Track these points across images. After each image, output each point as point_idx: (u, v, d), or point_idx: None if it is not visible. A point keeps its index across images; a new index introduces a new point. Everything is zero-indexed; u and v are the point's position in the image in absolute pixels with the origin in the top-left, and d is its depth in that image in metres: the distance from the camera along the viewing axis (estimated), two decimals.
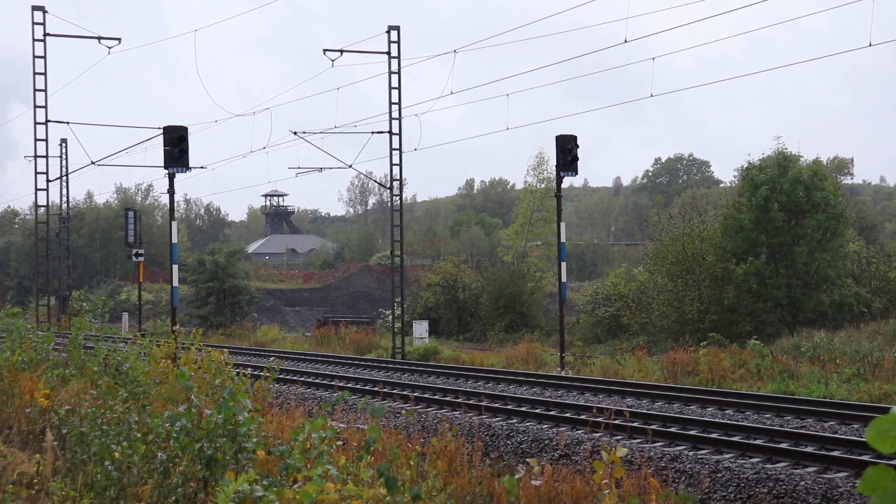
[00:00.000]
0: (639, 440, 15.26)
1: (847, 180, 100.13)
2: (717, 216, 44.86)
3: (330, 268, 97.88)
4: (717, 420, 16.89)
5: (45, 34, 41.05)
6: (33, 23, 40.81)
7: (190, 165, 26.52)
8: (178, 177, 26.60)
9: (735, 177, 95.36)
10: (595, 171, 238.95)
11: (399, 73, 36.23)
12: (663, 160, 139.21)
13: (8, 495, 7.47)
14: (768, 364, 26.31)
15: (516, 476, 8.05)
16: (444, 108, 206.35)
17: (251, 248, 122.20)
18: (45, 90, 41.55)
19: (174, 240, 27.25)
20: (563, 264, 28.62)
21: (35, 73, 41.15)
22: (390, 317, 44.08)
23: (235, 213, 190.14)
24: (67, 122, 40.21)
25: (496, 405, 19.55)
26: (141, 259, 43.24)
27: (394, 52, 36.12)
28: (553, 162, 32.00)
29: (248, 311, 60.30)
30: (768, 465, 13.28)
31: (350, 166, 38.79)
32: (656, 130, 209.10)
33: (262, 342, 46.97)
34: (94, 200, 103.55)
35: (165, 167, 26.50)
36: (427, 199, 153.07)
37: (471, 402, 19.97)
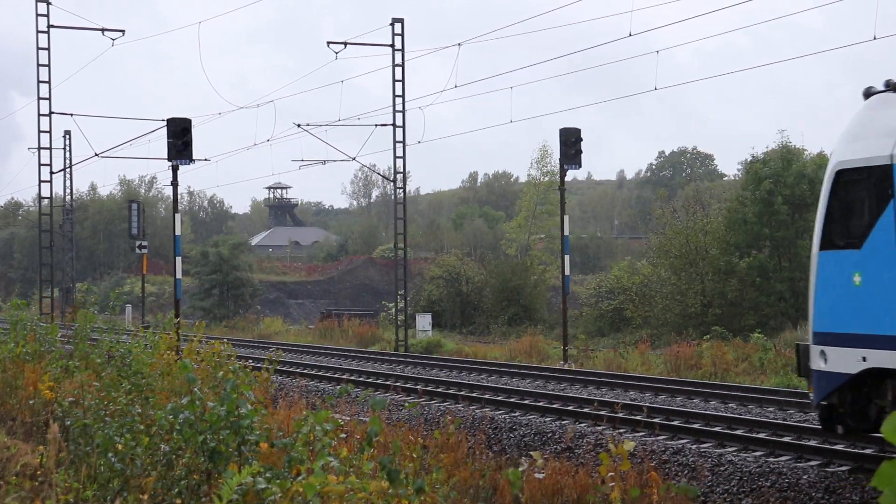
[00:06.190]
0: (642, 433, 15.25)
1: None
2: (720, 210, 44.81)
3: (333, 260, 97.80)
4: (719, 413, 16.88)
5: (49, 26, 41.07)
6: (37, 14, 40.83)
7: (193, 157, 26.50)
8: (182, 169, 26.60)
9: (739, 170, 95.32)
10: (598, 164, 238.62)
11: (403, 65, 36.21)
12: (667, 153, 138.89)
13: (11, 486, 7.48)
14: (771, 358, 26.29)
15: (520, 469, 8.05)
16: (447, 102, 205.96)
17: (254, 241, 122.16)
18: (48, 82, 41.57)
19: (177, 232, 27.25)
20: (567, 257, 28.61)
21: (39, 65, 41.17)
22: (393, 309, 44.10)
23: (239, 205, 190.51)
24: (71, 114, 40.21)
25: (499, 398, 19.56)
26: (144, 251, 43.34)
27: (397, 45, 36.10)
28: (556, 155, 32.00)
29: (252, 303, 60.33)
30: (771, 459, 13.27)
31: (354, 159, 38.88)
32: (658, 124, 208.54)
33: (266, 334, 46.99)
34: (97, 192, 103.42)
35: (169, 159, 26.48)
36: (430, 191, 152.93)
37: (474, 395, 20.00)
